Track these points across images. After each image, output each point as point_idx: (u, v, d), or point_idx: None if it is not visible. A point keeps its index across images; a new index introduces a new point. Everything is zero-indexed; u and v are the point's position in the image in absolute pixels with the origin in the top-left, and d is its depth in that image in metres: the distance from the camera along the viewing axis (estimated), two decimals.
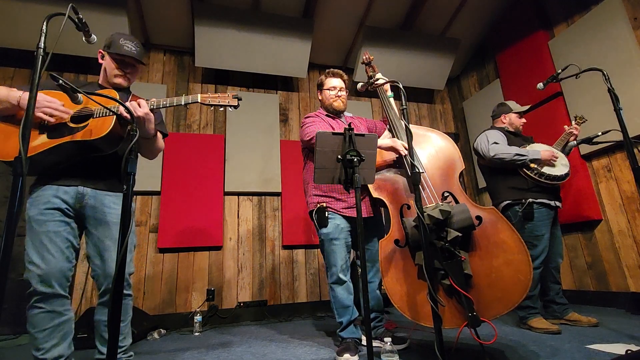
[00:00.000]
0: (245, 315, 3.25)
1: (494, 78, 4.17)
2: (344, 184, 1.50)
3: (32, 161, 1.43)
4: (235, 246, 3.43)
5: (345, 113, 2.32)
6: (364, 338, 2.01)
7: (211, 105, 1.57)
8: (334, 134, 1.49)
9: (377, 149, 1.64)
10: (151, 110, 1.51)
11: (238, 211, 3.54)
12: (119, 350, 1.56)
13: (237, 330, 2.81)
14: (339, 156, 1.47)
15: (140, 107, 1.45)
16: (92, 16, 2.58)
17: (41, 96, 1.39)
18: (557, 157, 2.38)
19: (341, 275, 2.00)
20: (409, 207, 1.79)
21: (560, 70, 2.17)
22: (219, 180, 3.47)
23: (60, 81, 1.13)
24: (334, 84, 2.23)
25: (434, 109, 4.78)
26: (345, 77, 2.29)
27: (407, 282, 1.68)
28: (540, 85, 2.25)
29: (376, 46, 3.82)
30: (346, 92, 2.27)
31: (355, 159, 1.44)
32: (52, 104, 1.41)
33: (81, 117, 1.49)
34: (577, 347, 1.79)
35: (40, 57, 1.09)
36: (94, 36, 1.38)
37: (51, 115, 1.40)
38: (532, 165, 2.34)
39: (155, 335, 2.67)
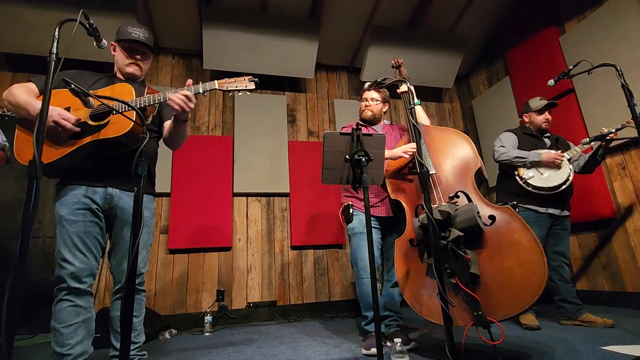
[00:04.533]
0: (255, 315, 3.26)
1: (503, 75, 4.11)
2: (352, 184, 1.50)
3: (57, 164, 1.48)
4: (244, 247, 3.45)
5: (385, 122, 2.39)
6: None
7: (229, 90, 1.56)
8: (341, 134, 1.49)
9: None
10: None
11: (247, 212, 3.57)
12: (133, 347, 1.59)
13: (247, 331, 2.83)
14: (347, 156, 1.47)
15: (182, 95, 1.47)
16: (103, 21, 2.63)
17: (52, 109, 1.39)
18: (560, 162, 2.34)
19: (367, 270, 2.05)
20: (423, 207, 1.79)
21: (572, 67, 2.13)
22: (228, 181, 3.49)
23: (72, 86, 1.15)
24: (365, 95, 2.36)
25: (443, 107, 4.74)
26: (382, 91, 2.34)
27: (419, 280, 1.69)
28: (551, 82, 2.22)
29: (383, 45, 3.81)
30: (382, 104, 2.34)
31: (363, 159, 1.44)
32: (60, 119, 1.42)
33: (101, 115, 1.50)
34: (592, 348, 1.76)
35: (53, 62, 1.12)
36: (104, 41, 1.40)
37: (58, 125, 1.41)
38: (520, 172, 2.39)
39: (167, 335, 2.71)
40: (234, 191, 3.50)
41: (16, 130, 1.54)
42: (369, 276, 2.02)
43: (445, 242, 1.53)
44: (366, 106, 2.33)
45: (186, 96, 1.48)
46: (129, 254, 1.11)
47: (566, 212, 2.44)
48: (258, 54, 3.62)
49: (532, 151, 2.41)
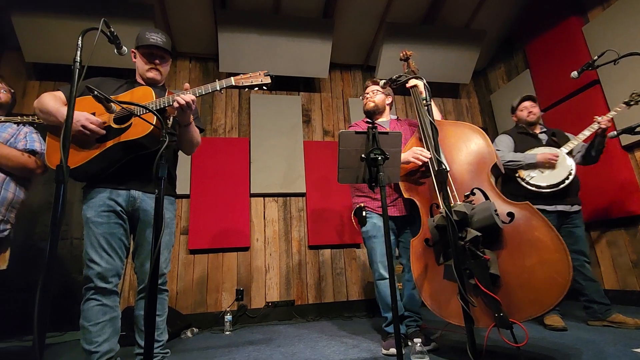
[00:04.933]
0: (274, 314, 3.29)
1: (523, 69, 4.00)
2: (369, 183, 1.49)
3: (84, 169, 1.54)
4: (262, 247, 3.49)
5: (391, 116, 2.34)
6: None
7: (245, 86, 1.57)
8: (357, 132, 1.48)
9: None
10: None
11: (264, 212, 3.60)
12: (156, 345, 1.64)
13: (266, 330, 2.86)
14: (363, 155, 1.46)
15: (183, 96, 1.50)
16: (123, 29, 2.71)
17: (79, 114, 1.46)
18: (556, 160, 2.31)
19: (383, 272, 2.06)
20: (437, 206, 1.75)
21: (596, 57, 2.04)
22: (245, 182, 3.54)
23: (95, 92, 1.19)
24: (366, 91, 2.34)
25: (460, 103, 4.65)
26: (375, 81, 2.34)
27: (437, 280, 1.66)
28: (574, 73, 2.14)
29: (398, 42, 3.77)
30: (380, 93, 2.30)
31: (379, 158, 1.43)
32: (87, 122, 1.48)
33: (124, 117, 1.55)
34: (622, 350, 1.68)
35: (77, 70, 1.16)
36: (124, 48, 1.44)
37: (86, 128, 1.48)
38: (520, 173, 2.37)
39: (189, 333, 2.77)
40: (251, 192, 3.54)
41: (47, 137, 1.62)
42: (385, 277, 2.02)
43: (463, 242, 1.49)
44: (367, 98, 2.30)
45: (192, 100, 1.51)
46: (151, 254, 1.14)
47: (577, 207, 2.36)
48: (272, 55, 3.65)
49: (527, 153, 2.40)
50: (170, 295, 3.13)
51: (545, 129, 2.59)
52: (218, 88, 1.55)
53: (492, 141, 2.00)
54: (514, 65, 4.21)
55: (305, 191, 3.66)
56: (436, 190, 1.74)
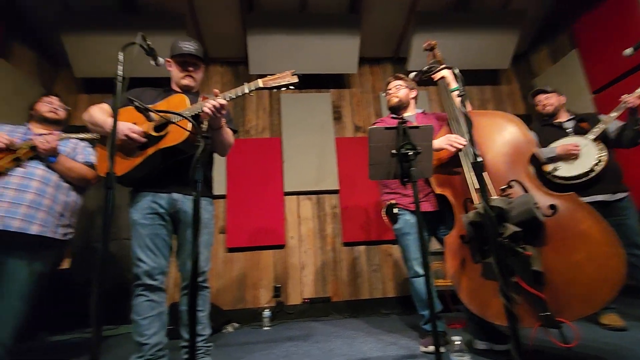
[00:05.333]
0: (310, 311, 3.34)
1: (569, 49, 3.70)
2: (400, 178, 1.47)
3: (130, 176, 1.65)
4: (297, 244, 3.55)
5: (417, 110, 2.27)
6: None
7: (273, 87, 1.60)
8: (387, 128, 1.46)
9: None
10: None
11: (298, 210, 3.65)
12: (200, 339, 1.73)
13: (303, 326, 2.90)
14: (394, 150, 1.43)
15: (212, 101, 1.56)
16: (158, 39, 2.85)
17: (123, 125, 1.57)
18: (577, 150, 2.19)
19: (418, 269, 2.02)
20: (471, 202, 1.68)
21: None
22: (278, 181, 3.61)
23: (136, 103, 1.28)
24: (389, 87, 2.28)
25: (500, 90, 4.41)
26: (397, 76, 2.29)
27: (474, 278, 1.59)
28: (628, 51, 1.97)
29: (429, 32, 3.63)
30: (403, 87, 2.23)
31: (410, 153, 1.39)
32: (130, 132, 1.59)
33: (162, 125, 1.65)
34: None
35: (119, 84, 1.25)
36: (160, 59, 1.52)
37: (129, 138, 1.59)
38: (546, 167, 2.27)
39: (230, 328, 2.89)
40: (285, 190, 3.60)
41: (96, 148, 1.77)
42: (421, 274, 1.98)
43: (501, 239, 1.42)
44: (390, 94, 2.23)
45: (221, 104, 1.57)
46: (190, 254, 1.21)
47: (621, 195, 2.16)
48: (300, 54, 3.67)
49: (547, 147, 2.29)
50: (211, 291, 3.26)
51: (573, 116, 2.43)
52: (247, 91, 1.60)
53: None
54: (558, 47, 3.91)
55: (338, 188, 3.66)
56: (469, 184, 1.67)
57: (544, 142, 2.36)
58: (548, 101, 2.50)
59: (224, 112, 1.60)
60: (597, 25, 3.31)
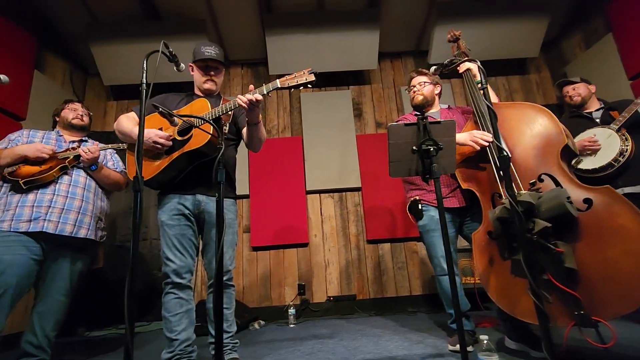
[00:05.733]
0: (335, 309, 3.34)
1: (604, 33, 3.48)
2: (422, 175, 1.44)
3: (157, 179, 1.73)
4: (320, 242, 3.56)
5: (441, 106, 2.20)
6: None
7: (291, 87, 1.61)
8: (406, 124, 1.43)
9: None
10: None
11: (320, 208, 3.66)
12: (226, 336, 1.77)
13: (329, 324, 2.91)
14: (414, 147, 1.41)
15: (246, 97, 1.60)
16: (180, 45, 2.94)
17: (149, 131, 1.65)
18: (594, 144, 2.12)
19: (444, 266, 1.97)
20: (500, 196, 1.62)
21: None
22: (300, 180, 3.63)
23: (160, 109, 1.32)
24: (412, 82, 2.20)
25: (528, 79, 4.22)
26: (420, 71, 2.19)
27: (504, 275, 1.54)
28: None
29: (452, 22, 3.52)
30: (428, 84, 2.15)
31: (431, 149, 1.36)
32: (157, 137, 1.66)
33: (186, 130, 1.72)
34: None
35: (144, 91, 1.29)
36: (182, 65, 1.57)
37: (157, 143, 1.66)
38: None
39: (256, 325, 2.94)
40: (307, 189, 3.62)
41: (126, 154, 1.87)
42: (447, 273, 1.93)
43: (531, 235, 1.36)
44: (414, 92, 2.15)
45: (257, 98, 1.60)
46: (215, 253, 1.24)
47: (630, 189, 2.04)
48: (319, 53, 3.67)
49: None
50: (237, 289, 3.35)
51: (604, 106, 2.33)
52: (265, 92, 1.62)
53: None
54: (592, 31, 3.69)
55: (360, 185, 3.64)
56: (497, 179, 1.61)
57: (573, 134, 2.26)
58: (575, 92, 2.42)
59: (260, 105, 1.64)
60: (633, 7, 3.09)
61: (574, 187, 1.45)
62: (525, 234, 1.33)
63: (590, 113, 2.34)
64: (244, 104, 1.59)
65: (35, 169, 1.86)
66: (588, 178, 2.12)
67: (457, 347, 1.81)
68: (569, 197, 1.37)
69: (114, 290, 3.25)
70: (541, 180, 1.52)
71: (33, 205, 1.81)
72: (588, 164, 2.15)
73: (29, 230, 1.77)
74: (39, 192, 1.85)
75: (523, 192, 1.47)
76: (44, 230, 1.79)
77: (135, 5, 3.37)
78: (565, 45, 4.06)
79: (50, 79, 3.41)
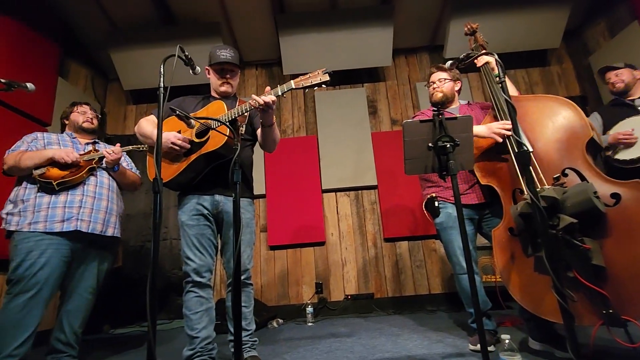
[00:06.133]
0: (353, 307, 3.34)
1: (629, 21, 3.32)
2: (439, 172, 1.41)
3: (176, 181, 1.77)
4: (337, 241, 3.56)
5: (460, 102, 2.15)
6: None
7: (305, 87, 1.62)
8: (421, 121, 1.41)
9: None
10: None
11: (337, 207, 3.66)
12: (245, 334, 1.80)
13: (347, 322, 2.91)
14: (430, 144, 1.38)
15: (260, 98, 1.62)
16: (196, 48, 2.99)
17: (168, 134, 1.69)
18: (629, 137, 2.05)
19: (464, 264, 1.93)
20: (521, 192, 1.57)
21: None
22: (316, 179, 3.63)
23: (177, 112, 1.35)
24: (432, 78, 2.15)
25: (550, 71, 4.08)
26: (440, 66, 2.13)
27: (526, 273, 1.49)
28: None
29: (467, 15, 3.45)
30: (448, 81, 2.10)
31: (448, 145, 1.34)
32: (176, 139, 1.70)
33: (203, 132, 1.75)
34: None
35: (162, 94, 1.32)
36: (198, 68, 1.59)
37: (175, 145, 1.70)
38: (606, 153, 2.15)
39: (275, 324, 2.97)
40: (323, 188, 3.62)
41: (147, 156, 1.92)
42: (466, 271, 1.89)
43: (555, 231, 1.31)
44: (434, 88, 2.10)
45: (272, 101, 1.62)
46: (233, 252, 1.26)
47: None
48: (333, 51, 3.66)
49: (603, 136, 2.16)
50: (255, 288, 3.39)
51: None
52: (280, 93, 1.62)
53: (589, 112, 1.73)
54: (617, 19, 3.53)
55: (376, 183, 3.62)
56: (518, 174, 1.56)
57: (612, 123, 2.20)
58: (618, 77, 2.31)
59: (273, 107, 1.65)
60: None
61: (600, 181, 1.39)
62: (548, 230, 1.28)
63: (633, 100, 2.23)
64: (259, 101, 1.61)
65: (65, 171, 1.92)
66: (625, 170, 2.05)
67: (478, 346, 1.77)
68: (595, 192, 1.32)
69: (136, 290, 3.35)
70: (565, 175, 1.47)
71: (65, 206, 1.87)
72: (624, 154, 2.07)
73: (63, 230, 1.83)
74: (69, 193, 1.90)
75: (546, 187, 1.42)
76: (77, 229, 1.85)
77: (151, 12, 3.45)
78: (588, 35, 3.91)
79: (73, 86, 3.54)
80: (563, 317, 1.20)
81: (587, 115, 1.95)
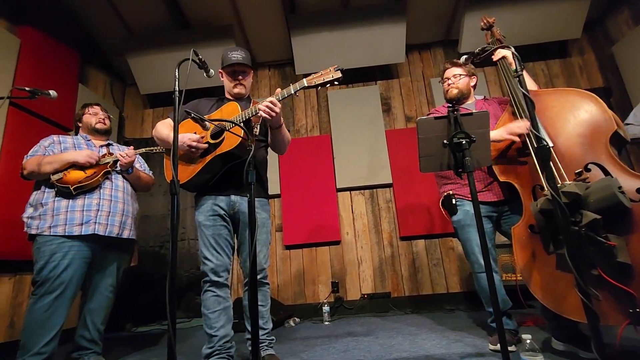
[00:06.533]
0: (370, 306, 3.32)
1: None
2: (454, 169, 1.39)
3: (193, 182, 1.80)
4: (352, 240, 3.55)
5: (476, 97, 2.10)
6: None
7: (317, 85, 1.62)
8: (436, 118, 1.39)
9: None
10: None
11: (351, 206, 3.65)
12: (263, 332, 1.82)
13: (363, 321, 2.90)
14: (445, 141, 1.36)
15: (266, 102, 1.65)
16: (209, 51, 3.04)
17: (184, 136, 1.72)
18: None
19: (482, 263, 1.88)
20: (542, 188, 1.53)
21: None
22: (330, 178, 3.63)
23: (192, 115, 1.38)
24: (446, 74, 2.10)
25: (570, 63, 3.94)
26: (455, 62, 2.07)
27: (548, 270, 1.45)
28: None
29: (482, 9, 3.38)
30: (463, 76, 2.05)
31: (463, 142, 1.31)
32: (191, 141, 1.73)
33: (218, 133, 1.78)
34: None
35: (177, 98, 1.35)
36: (212, 71, 1.62)
37: (191, 147, 1.73)
38: None
39: (292, 323, 2.99)
40: (337, 187, 3.62)
41: (164, 158, 1.95)
42: (484, 270, 1.85)
43: (577, 228, 1.27)
44: (449, 85, 2.05)
45: (270, 102, 1.63)
46: (249, 252, 1.28)
47: None
48: (345, 50, 3.64)
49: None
50: (272, 287, 3.42)
51: None
52: (293, 92, 1.63)
53: (627, 101, 1.66)
54: None
55: (391, 182, 3.59)
56: (538, 170, 1.51)
57: None
58: None
59: (277, 109, 1.66)
60: None
61: (625, 176, 1.34)
62: (571, 227, 1.24)
63: None
64: (264, 114, 1.64)
65: (81, 175, 1.97)
66: None
67: (498, 346, 1.73)
68: (620, 187, 1.27)
69: (156, 289, 3.44)
70: (588, 170, 1.41)
71: (83, 210, 1.93)
72: None
73: (81, 233, 1.90)
74: (86, 196, 1.96)
75: (568, 182, 1.37)
76: (95, 232, 1.92)
77: (166, 17, 3.52)
78: (610, 24, 3.75)
79: (93, 91, 3.65)
80: (587, 317, 1.16)
81: (611, 108, 1.88)
